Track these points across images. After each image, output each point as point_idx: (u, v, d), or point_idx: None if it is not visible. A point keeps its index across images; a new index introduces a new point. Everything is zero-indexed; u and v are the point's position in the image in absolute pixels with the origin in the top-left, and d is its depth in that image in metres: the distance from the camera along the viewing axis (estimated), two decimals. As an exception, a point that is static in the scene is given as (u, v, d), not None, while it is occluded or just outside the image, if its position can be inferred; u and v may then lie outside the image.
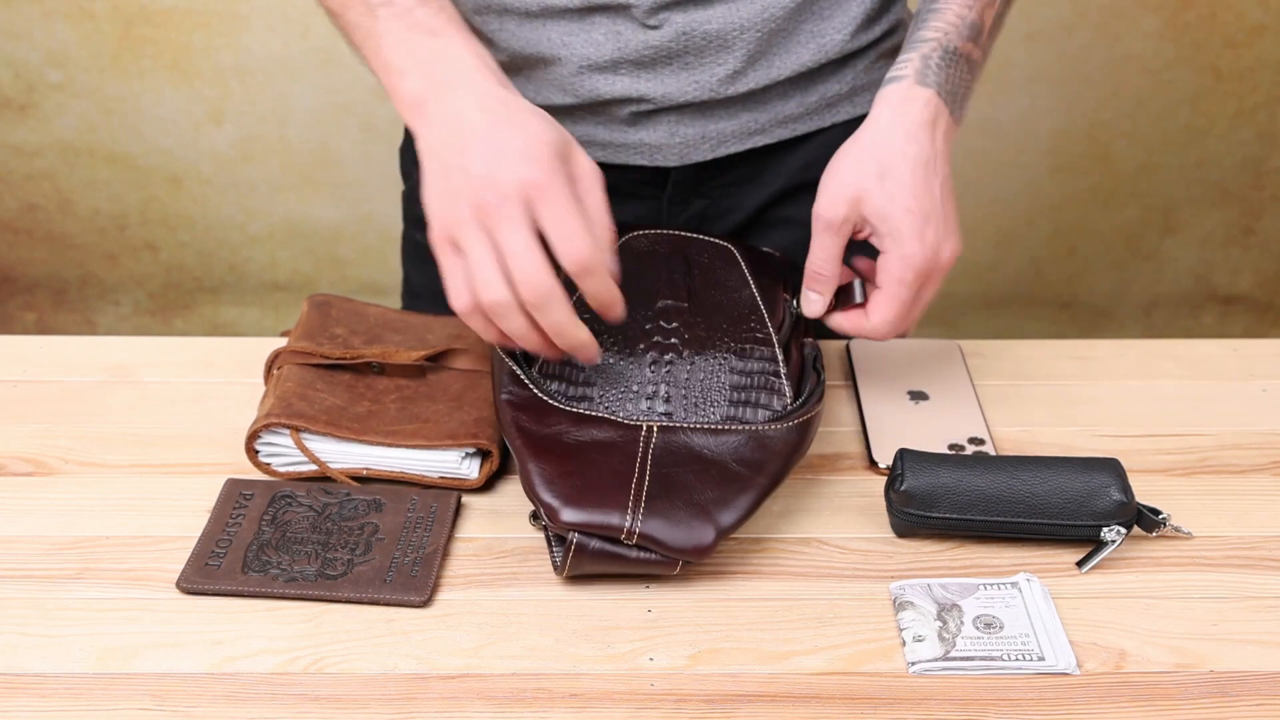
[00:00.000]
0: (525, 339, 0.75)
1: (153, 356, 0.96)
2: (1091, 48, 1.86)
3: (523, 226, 0.72)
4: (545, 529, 0.75)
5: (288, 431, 0.81)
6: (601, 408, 0.78)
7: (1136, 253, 2.05)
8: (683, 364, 0.81)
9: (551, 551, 0.74)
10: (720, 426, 0.77)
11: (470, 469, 0.82)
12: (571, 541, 0.72)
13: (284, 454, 0.82)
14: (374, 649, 0.70)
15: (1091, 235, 2.03)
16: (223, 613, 0.73)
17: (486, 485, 0.82)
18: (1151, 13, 1.84)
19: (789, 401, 0.80)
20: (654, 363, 0.80)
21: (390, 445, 0.81)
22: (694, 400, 0.79)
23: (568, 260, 0.73)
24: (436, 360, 0.88)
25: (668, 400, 0.79)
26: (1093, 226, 2.02)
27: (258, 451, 0.82)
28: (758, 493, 0.75)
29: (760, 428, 0.77)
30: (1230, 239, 2.04)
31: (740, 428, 0.77)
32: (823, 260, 0.83)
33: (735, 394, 0.79)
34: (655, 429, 0.77)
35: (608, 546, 0.73)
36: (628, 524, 0.72)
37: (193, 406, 0.90)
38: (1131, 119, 1.92)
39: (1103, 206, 2.00)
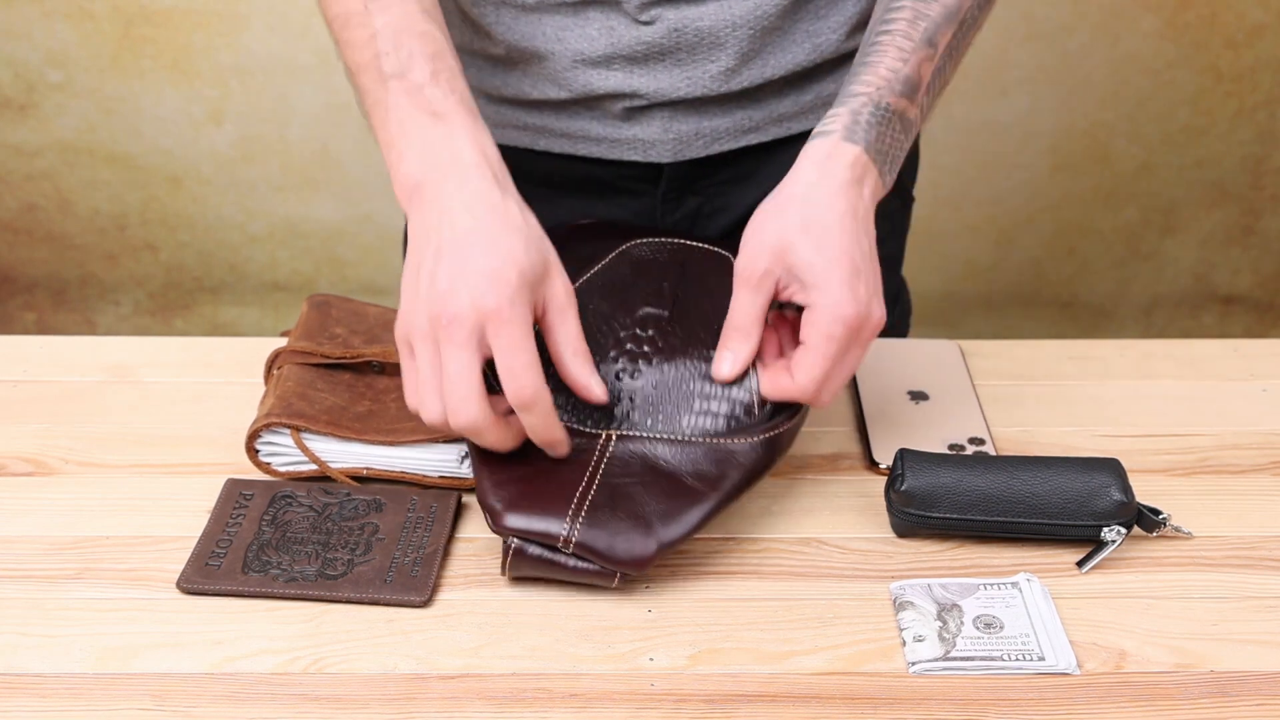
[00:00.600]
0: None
1: (153, 356, 0.96)
2: (1091, 48, 1.86)
3: (466, 349, 0.71)
4: (504, 549, 0.74)
5: (288, 431, 0.81)
6: (565, 414, 0.78)
7: (1136, 253, 2.05)
8: (651, 372, 0.79)
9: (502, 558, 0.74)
10: (681, 438, 0.77)
11: (470, 468, 0.82)
12: (510, 545, 0.73)
13: (284, 454, 0.82)
14: (374, 649, 0.70)
15: (1091, 235, 2.03)
16: (223, 613, 0.73)
17: (486, 485, 0.82)
18: (1151, 13, 1.84)
19: (757, 415, 0.78)
20: (621, 371, 0.79)
21: (391, 444, 0.81)
22: (657, 408, 0.78)
23: (510, 396, 0.72)
24: (436, 360, 0.88)
25: (631, 403, 0.78)
26: (1093, 226, 2.02)
27: (258, 451, 0.82)
28: (708, 507, 0.74)
29: (723, 441, 0.76)
30: (1230, 239, 2.04)
31: (702, 440, 0.77)
32: (742, 317, 0.77)
33: (701, 403, 0.78)
34: (614, 437, 0.77)
35: (546, 553, 0.73)
36: (564, 532, 0.72)
37: (193, 406, 0.90)
38: (1131, 119, 1.92)
39: (1103, 206, 2.00)
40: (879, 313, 0.76)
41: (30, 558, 0.76)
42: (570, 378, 0.76)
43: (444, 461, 0.81)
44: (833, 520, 0.81)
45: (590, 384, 0.76)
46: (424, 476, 0.82)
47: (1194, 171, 1.97)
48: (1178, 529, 0.79)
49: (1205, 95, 1.91)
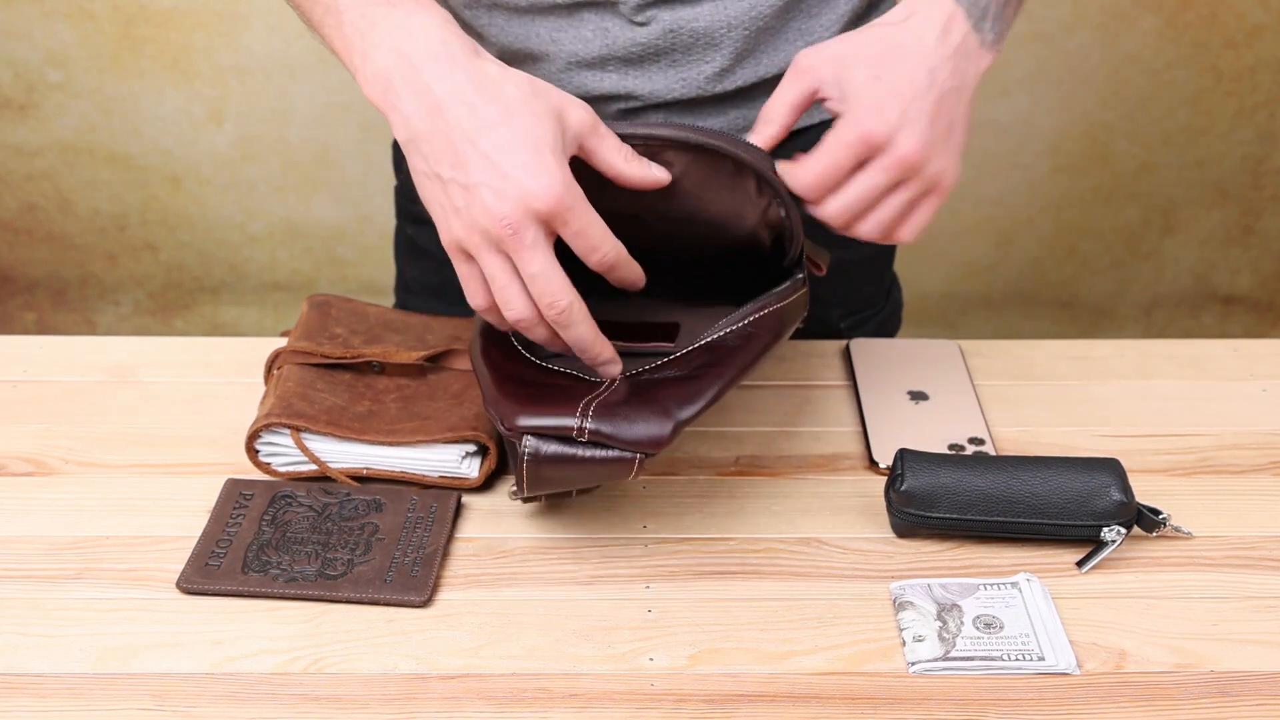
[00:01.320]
0: (549, 345, 0.76)
1: (153, 356, 0.96)
2: (1091, 48, 1.86)
3: (539, 248, 0.71)
4: (519, 460, 0.72)
5: (288, 431, 0.81)
6: (578, 369, 0.78)
7: (1136, 253, 2.05)
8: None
9: (517, 476, 0.73)
10: (677, 355, 0.77)
11: (470, 468, 0.82)
12: (524, 452, 0.71)
13: (284, 454, 0.82)
14: (374, 649, 0.70)
15: (1091, 235, 2.03)
16: (223, 613, 0.73)
17: (486, 485, 0.82)
18: (1151, 13, 1.84)
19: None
20: None
21: (390, 445, 0.81)
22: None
23: (594, 266, 0.73)
24: (436, 360, 0.88)
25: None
26: (1093, 226, 2.02)
27: (258, 451, 0.82)
28: (720, 384, 0.74)
29: (713, 339, 0.77)
30: (1230, 239, 2.04)
31: (692, 345, 0.77)
32: (772, 105, 0.80)
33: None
34: (621, 380, 0.77)
35: (563, 449, 0.71)
36: (578, 422, 0.71)
37: (193, 406, 0.90)
38: (1131, 119, 1.92)
39: (1103, 206, 2.00)
40: (909, 145, 0.76)
41: (30, 558, 0.76)
42: (632, 181, 0.76)
43: (444, 461, 0.81)
44: (833, 520, 0.81)
45: (654, 174, 0.76)
46: (424, 476, 0.82)
47: (1194, 171, 1.97)
48: (1178, 529, 0.79)
49: (1205, 95, 1.91)
